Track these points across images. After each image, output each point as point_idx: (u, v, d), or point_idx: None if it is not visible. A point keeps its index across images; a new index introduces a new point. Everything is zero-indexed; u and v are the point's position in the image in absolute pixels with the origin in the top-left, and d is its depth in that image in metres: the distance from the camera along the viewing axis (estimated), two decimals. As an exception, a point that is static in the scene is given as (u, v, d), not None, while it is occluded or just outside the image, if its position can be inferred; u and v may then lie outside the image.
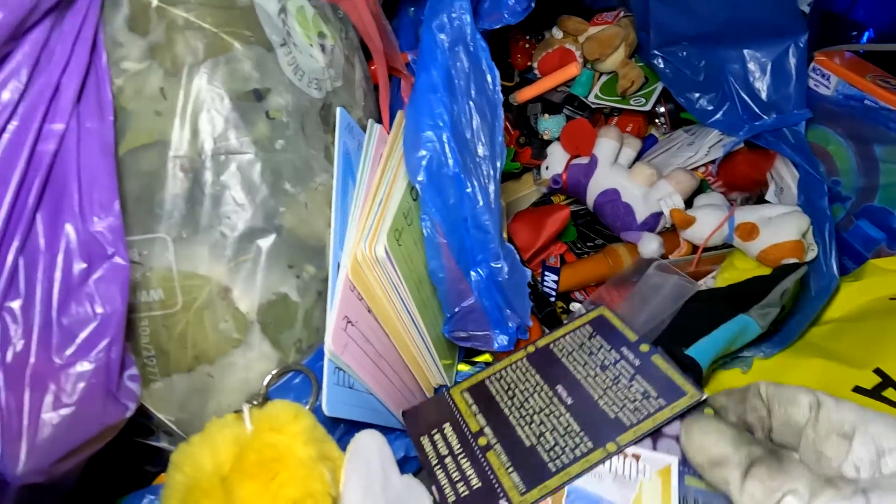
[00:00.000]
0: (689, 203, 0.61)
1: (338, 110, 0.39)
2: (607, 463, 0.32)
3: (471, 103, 0.42)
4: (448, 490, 0.34)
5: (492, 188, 0.42)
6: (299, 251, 0.34)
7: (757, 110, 0.57)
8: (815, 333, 0.52)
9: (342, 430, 0.38)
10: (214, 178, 0.30)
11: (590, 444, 0.33)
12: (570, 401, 0.36)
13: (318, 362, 0.34)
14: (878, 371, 0.43)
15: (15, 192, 0.21)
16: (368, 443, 0.32)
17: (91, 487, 0.31)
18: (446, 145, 0.40)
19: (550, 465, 0.33)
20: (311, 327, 0.34)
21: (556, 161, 0.67)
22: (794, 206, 0.55)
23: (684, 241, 0.61)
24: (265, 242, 0.32)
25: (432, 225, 0.40)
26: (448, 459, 0.35)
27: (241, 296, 0.31)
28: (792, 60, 0.55)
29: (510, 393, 0.39)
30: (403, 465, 0.39)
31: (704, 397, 0.33)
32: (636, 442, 0.33)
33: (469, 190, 0.41)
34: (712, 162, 0.63)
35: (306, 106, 0.35)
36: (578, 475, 0.32)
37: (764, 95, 0.57)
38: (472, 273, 0.43)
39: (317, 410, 0.33)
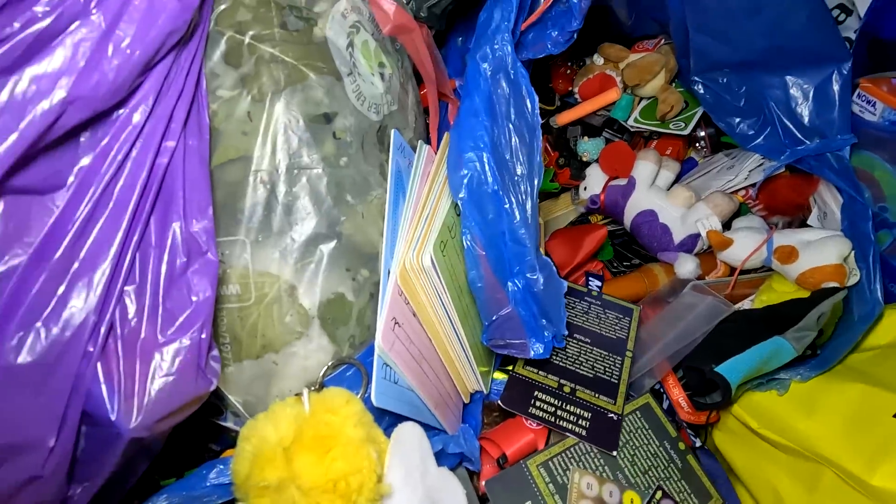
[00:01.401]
0: (727, 226, 0.62)
1: (392, 132, 0.43)
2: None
3: (510, 126, 0.45)
4: None
5: (529, 204, 0.45)
6: (356, 256, 0.38)
7: (799, 135, 0.58)
8: (856, 359, 0.52)
9: (386, 422, 0.41)
10: (288, 190, 0.34)
11: None
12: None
13: (368, 357, 0.38)
14: (920, 398, 0.43)
15: (138, 197, 0.26)
16: (410, 433, 0.35)
17: (166, 457, 0.35)
18: (486, 165, 0.43)
19: None
20: (364, 325, 0.38)
21: (595, 182, 0.70)
22: (836, 231, 0.55)
23: (721, 262, 0.62)
24: (327, 247, 0.36)
25: (472, 238, 0.43)
26: None
27: (304, 293, 0.35)
28: (835, 86, 0.56)
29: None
30: (439, 458, 0.42)
31: None
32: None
33: (507, 206, 0.44)
34: (752, 185, 0.64)
35: (366, 128, 0.40)
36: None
37: (806, 121, 0.58)
38: (509, 284, 0.46)
39: (365, 401, 0.36)
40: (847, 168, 0.56)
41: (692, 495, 0.45)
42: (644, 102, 0.73)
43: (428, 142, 0.52)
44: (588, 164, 0.72)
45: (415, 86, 0.52)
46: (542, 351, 0.46)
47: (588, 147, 0.73)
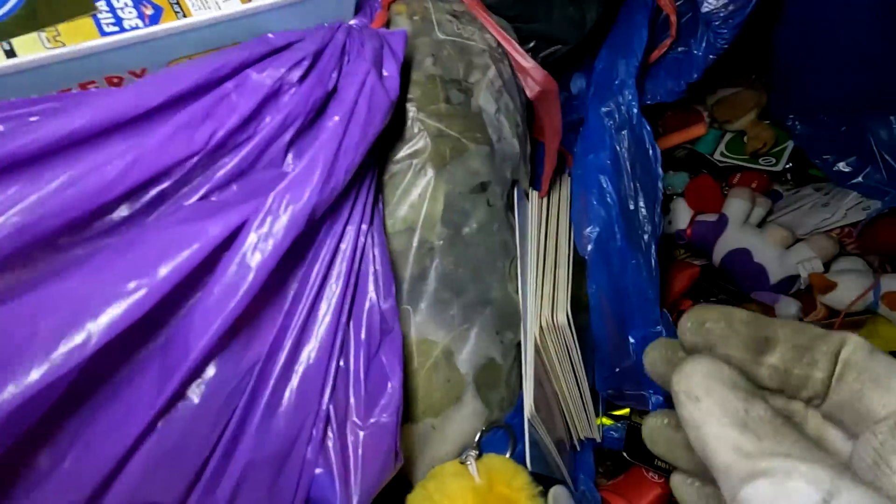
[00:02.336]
0: (826, 266, 0.61)
1: (515, 189, 0.44)
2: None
3: (636, 183, 0.46)
4: None
5: (653, 258, 0.46)
6: (503, 319, 0.38)
7: (901, 179, 0.57)
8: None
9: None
10: (448, 259, 0.35)
11: None
12: None
13: (514, 419, 0.38)
14: None
15: (344, 286, 0.27)
16: (564, 496, 0.35)
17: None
18: (614, 221, 0.44)
19: None
20: (511, 387, 0.39)
21: (680, 217, 0.69)
22: (949, 279, 0.54)
23: (822, 305, 0.61)
24: (482, 314, 0.36)
25: (598, 293, 0.44)
26: None
27: (461, 359, 0.36)
28: (948, 126, 0.55)
29: None
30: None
31: None
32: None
33: (634, 261, 0.45)
34: (853, 225, 0.63)
35: (506, 189, 0.40)
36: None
37: (912, 162, 0.57)
38: (630, 338, 0.46)
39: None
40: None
41: None
42: (730, 135, 0.72)
43: (536, 188, 0.52)
44: (671, 197, 0.72)
45: (526, 130, 0.52)
46: (661, 401, 0.46)
47: (673, 181, 0.72)
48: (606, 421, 0.55)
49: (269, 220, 0.22)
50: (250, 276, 0.21)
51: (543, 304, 0.42)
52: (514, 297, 0.40)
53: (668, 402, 0.47)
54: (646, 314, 0.46)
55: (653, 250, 0.45)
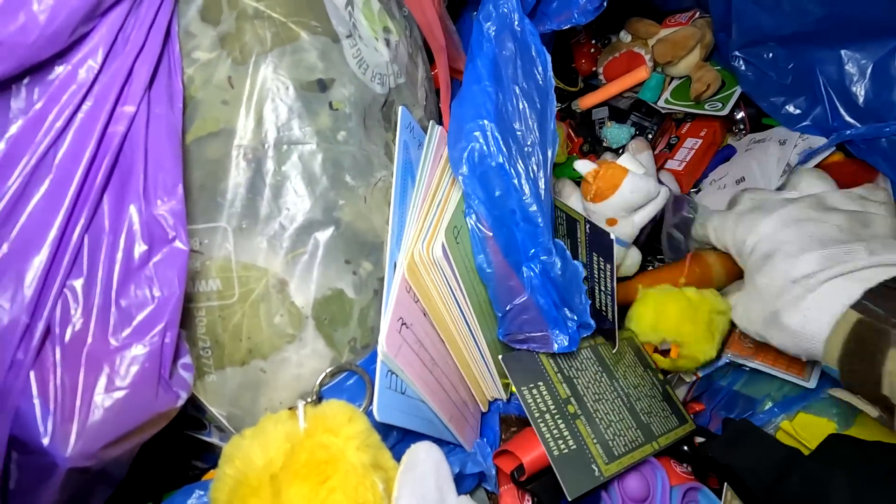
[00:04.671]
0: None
1: (400, 109, 0.38)
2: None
3: (517, 90, 0.40)
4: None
5: (542, 178, 0.40)
6: (357, 247, 0.32)
7: (850, 118, 0.52)
8: None
9: (394, 437, 0.36)
10: (276, 168, 0.29)
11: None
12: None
13: (372, 364, 0.32)
14: None
15: (85, 171, 0.22)
16: (426, 457, 0.29)
17: (140, 479, 0.30)
18: (489, 135, 0.37)
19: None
20: (367, 327, 0.33)
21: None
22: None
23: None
24: (323, 235, 0.31)
25: (477, 218, 0.38)
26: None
27: (297, 289, 0.30)
28: (897, 62, 0.50)
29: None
30: (458, 482, 0.36)
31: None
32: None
33: (515, 180, 0.38)
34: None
35: (369, 100, 0.35)
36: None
37: (861, 100, 0.52)
38: (524, 269, 0.40)
39: (369, 415, 0.31)
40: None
41: (672, 415, 0.46)
42: (676, 82, 0.67)
43: (440, 122, 0.46)
44: (613, 150, 0.66)
45: (425, 59, 0.46)
46: (566, 344, 0.40)
47: (613, 134, 0.67)
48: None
49: None
50: None
51: (419, 237, 0.36)
52: (378, 224, 0.34)
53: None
54: (536, 241, 0.39)
55: (542, 167, 0.39)
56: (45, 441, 0.19)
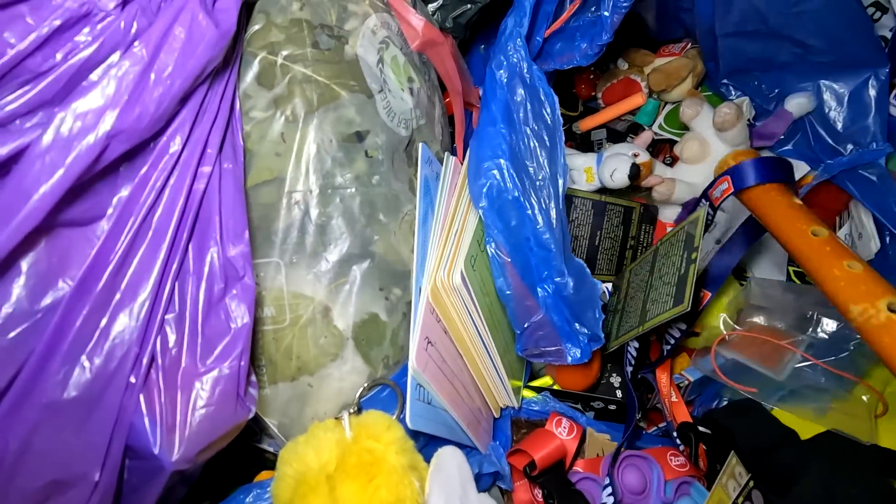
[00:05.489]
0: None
1: (420, 146, 0.43)
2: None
3: (528, 131, 0.44)
4: None
5: (553, 208, 0.44)
6: (388, 275, 0.37)
7: (831, 142, 0.56)
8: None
9: (421, 442, 0.41)
10: (321, 210, 0.34)
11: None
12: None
13: (402, 378, 0.37)
14: None
15: (176, 225, 0.26)
16: (451, 458, 0.34)
17: (207, 480, 0.35)
18: (505, 172, 0.42)
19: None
20: (397, 345, 0.37)
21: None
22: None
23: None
24: (360, 267, 0.35)
25: (496, 245, 0.42)
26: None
27: (338, 315, 0.35)
28: (871, 92, 0.54)
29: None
30: (476, 481, 0.41)
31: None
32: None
33: (529, 211, 0.43)
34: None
35: (396, 143, 0.39)
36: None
37: (840, 127, 0.57)
38: (539, 290, 0.45)
39: (401, 422, 0.36)
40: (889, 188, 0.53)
41: (671, 298, 0.46)
42: (669, 107, 0.71)
43: (453, 151, 0.51)
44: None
45: (441, 97, 0.51)
46: (579, 356, 0.45)
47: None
48: (528, 393, 0.54)
49: (54, 143, 0.20)
50: (31, 203, 0.20)
51: (440, 264, 0.41)
52: (405, 254, 0.39)
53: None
54: (549, 265, 0.44)
55: (553, 198, 0.43)
56: (156, 450, 0.24)
